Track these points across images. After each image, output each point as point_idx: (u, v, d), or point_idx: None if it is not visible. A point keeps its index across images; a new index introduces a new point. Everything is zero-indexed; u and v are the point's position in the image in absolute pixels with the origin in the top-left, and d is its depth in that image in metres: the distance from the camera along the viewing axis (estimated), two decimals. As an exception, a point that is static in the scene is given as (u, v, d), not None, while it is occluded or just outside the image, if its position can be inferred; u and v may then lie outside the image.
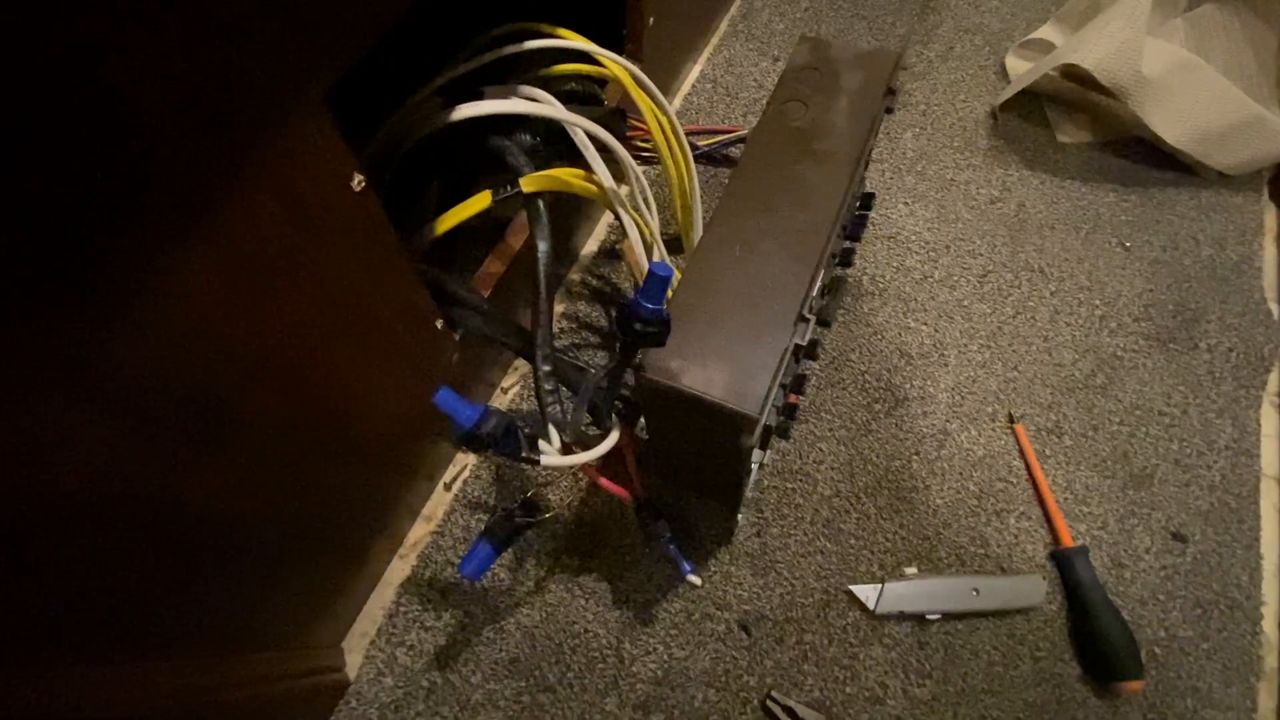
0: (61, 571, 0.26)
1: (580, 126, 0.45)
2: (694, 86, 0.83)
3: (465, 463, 0.59)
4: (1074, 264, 0.71)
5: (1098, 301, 0.69)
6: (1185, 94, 0.72)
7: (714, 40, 0.87)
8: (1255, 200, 0.75)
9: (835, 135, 0.46)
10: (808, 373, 0.62)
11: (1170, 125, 0.72)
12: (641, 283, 0.34)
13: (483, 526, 0.44)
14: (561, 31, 0.48)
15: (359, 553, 0.51)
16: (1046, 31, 0.85)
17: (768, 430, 0.43)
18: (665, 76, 0.77)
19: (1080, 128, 0.80)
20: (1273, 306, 0.68)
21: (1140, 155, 0.78)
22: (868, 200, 0.52)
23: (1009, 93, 0.79)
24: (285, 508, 0.39)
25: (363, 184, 0.31)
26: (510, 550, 0.54)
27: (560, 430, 0.42)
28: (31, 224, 0.19)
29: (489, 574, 0.54)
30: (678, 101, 0.82)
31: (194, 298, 0.26)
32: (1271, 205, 0.75)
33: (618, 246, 0.70)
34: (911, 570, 0.55)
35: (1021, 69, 0.82)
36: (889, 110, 0.49)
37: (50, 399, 0.22)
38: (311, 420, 0.38)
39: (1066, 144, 0.79)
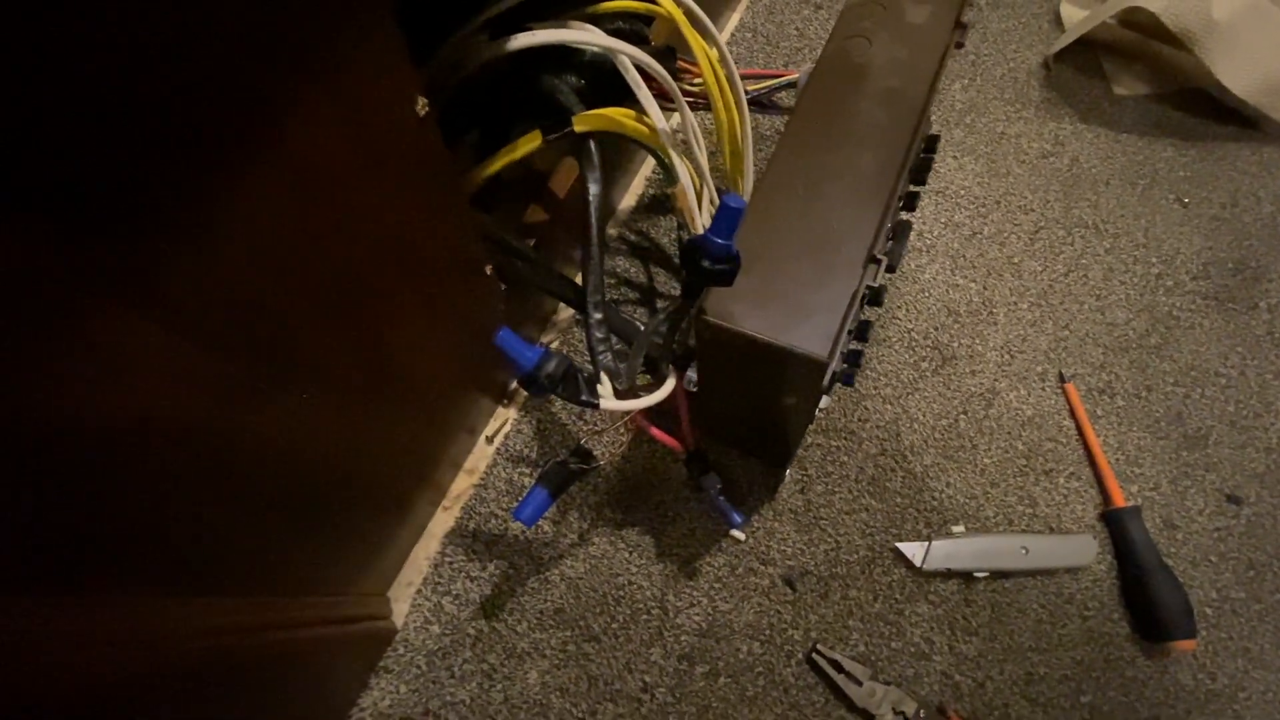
0: (129, 497, 0.26)
1: (633, 58, 0.43)
2: (733, 35, 0.79)
3: (506, 417, 0.59)
4: (1129, 221, 0.69)
5: (1154, 259, 0.67)
6: (1256, 41, 0.68)
7: (753, -13, 0.84)
8: (1323, 155, 0.72)
9: (901, 72, 0.44)
10: (872, 319, 0.61)
11: (1238, 74, 0.69)
12: (694, 228, 0.33)
13: (528, 478, 0.43)
14: (612, -37, 0.45)
15: (404, 502, 0.51)
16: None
17: (833, 376, 0.42)
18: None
19: (1138, 79, 0.76)
20: (1338, 265, 0.66)
21: (1200, 108, 0.75)
22: (932, 142, 0.50)
23: (1063, 42, 0.75)
24: (337, 453, 0.39)
25: (426, 108, 0.30)
26: (554, 503, 0.54)
27: (614, 379, 0.41)
28: (108, 137, 0.18)
29: (534, 527, 0.54)
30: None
31: (260, 218, 0.25)
32: (1339, 161, 0.72)
33: (666, 192, 0.68)
34: (959, 528, 0.55)
35: (1077, 16, 0.79)
36: (959, 45, 0.46)
37: (125, 315, 0.21)
38: (364, 362, 0.37)
39: (1123, 96, 0.76)
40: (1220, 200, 0.70)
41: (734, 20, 0.81)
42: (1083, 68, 0.78)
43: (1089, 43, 0.77)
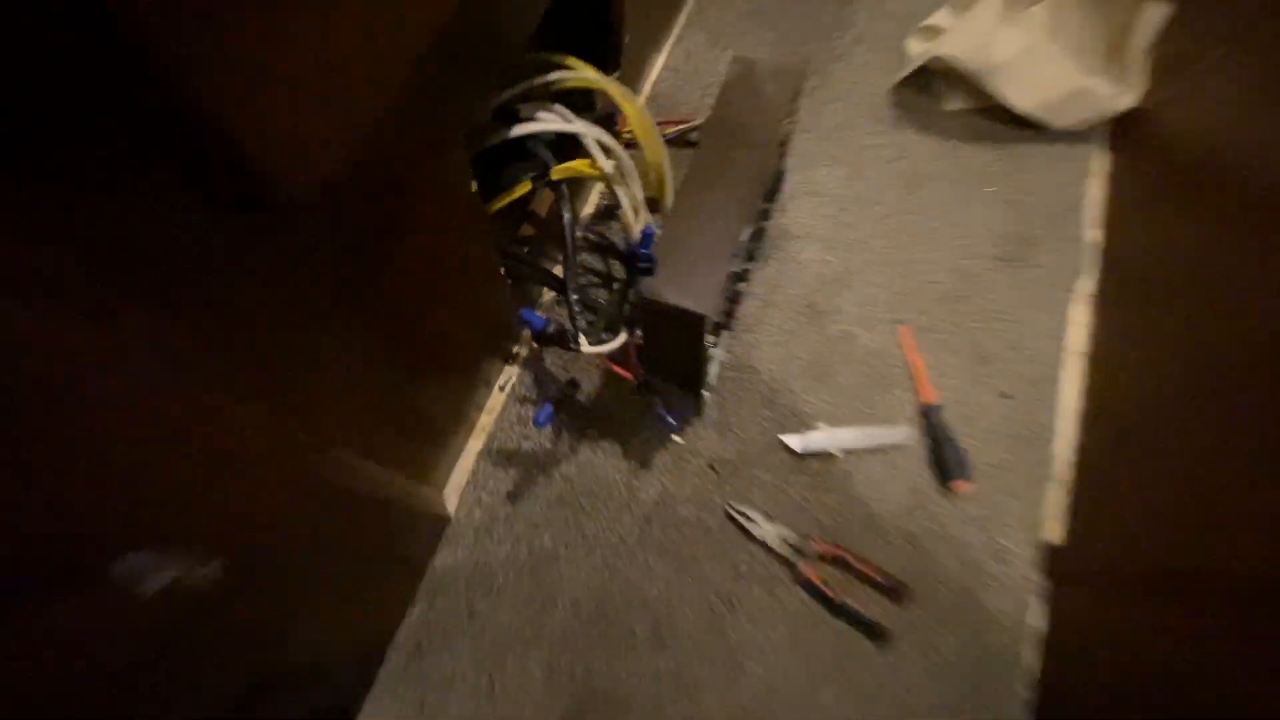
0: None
1: (593, 137, 0.67)
2: (660, 75, 1.03)
3: (511, 372, 0.83)
4: (950, 206, 0.96)
5: (965, 235, 0.94)
6: (1032, 71, 0.95)
7: (674, 35, 1.07)
8: (1086, 152, 0.99)
9: (756, 132, 0.69)
10: (743, 290, 0.86)
11: (1021, 97, 0.96)
12: (634, 238, 0.57)
13: (530, 409, 0.67)
14: (572, 62, 0.69)
15: (449, 429, 0.75)
16: (940, 17, 1.06)
17: (717, 325, 0.68)
18: (637, 70, 0.98)
19: (961, 98, 1.03)
20: (1085, 231, 0.94)
21: (1005, 118, 1.02)
22: (780, 177, 0.75)
23: (904, 72, 1.01)
24: (418, 388, 0.63)
25: (476, 187, 0.54)
26: (552, 424, 0.79)
27: (588, 335, 0.66)
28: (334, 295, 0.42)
29: (539, 443, 0.79)
30: (647, 87, 1.03)
31: (395, 245, 0.48)
32: (1099, 153, 1.00)
33: (616, 210, 0.92)
34: (824, 425, 0.81)
35: (918, 51, 1.04)
36: (793, 113, 0.71)
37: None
38: (432, 334, 0.61)
39: (951, 111, 1.02)
40: (1014, 188, 0.97)
41: (660, 62, 1.05)
42: (922, 90, 1.04)
43: (926, 70, 1.03)
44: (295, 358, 0.43)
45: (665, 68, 1.03)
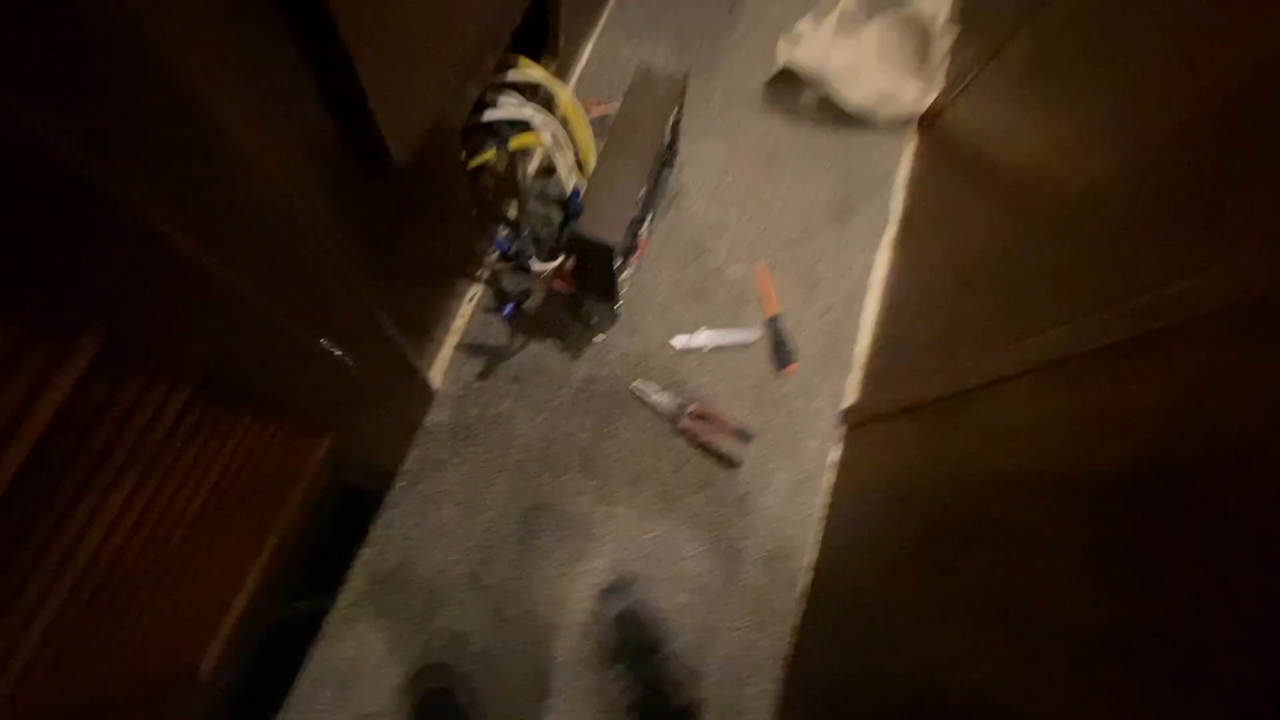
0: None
1: (539, 119, 0.96)
2: (587, 63, 1.32)
3: (477, 289, 1.12)
4: (799, 177, 1.31)
5: (809, 198, 1.30)
6: (857, 78, 1.30)
7: (598, 31, 1.35)
8: (899, 140, 1.37)
9: (653, 120, 1.00)
10: (645, 233, 1.19)
11: (850, 97, 1.31)
12: (567, 191, 0.88)
13: (494, 313, 0.98)
14: (525, 62, 0.97)
15: (432, 328, 1.04)
16: (803, 25, 1.39)
17: (625, 254, 1.00)
18: (570, 59, 1.26)
19: (810, 95, 1.37)
20: (894, 196, 1.32)
21: (843, 112, 1.37)
22: (673, 151, 1.07)
23: (771, 72, 1.35)
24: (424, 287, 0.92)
25: (464, 156, 0.82)
26: (508, 323, 1.10)
27: (539, 258, 0.96)
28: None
29: (498, 340, 1.10)
30: (578, 70, 1.31)
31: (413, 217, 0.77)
32: (908, 140, 1.37)
33: (553, 171, 1.21)
34: (703, 329, 1.16)
35: (783, 54, 1.37)
36: (679, 106, 1.03)
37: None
38: (434, 248, 0.90)
39: (806, 103, 1.37)
40: (847, 163, 1.33)
41: (587, 52, 1.33)
42: (788, 84, 1.37)
43: (789, 70, 1.36)
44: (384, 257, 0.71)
45: (591, 58, 1.32)
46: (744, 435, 1.11)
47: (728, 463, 1.09)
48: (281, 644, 0.94)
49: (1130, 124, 0.67)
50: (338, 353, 0.66)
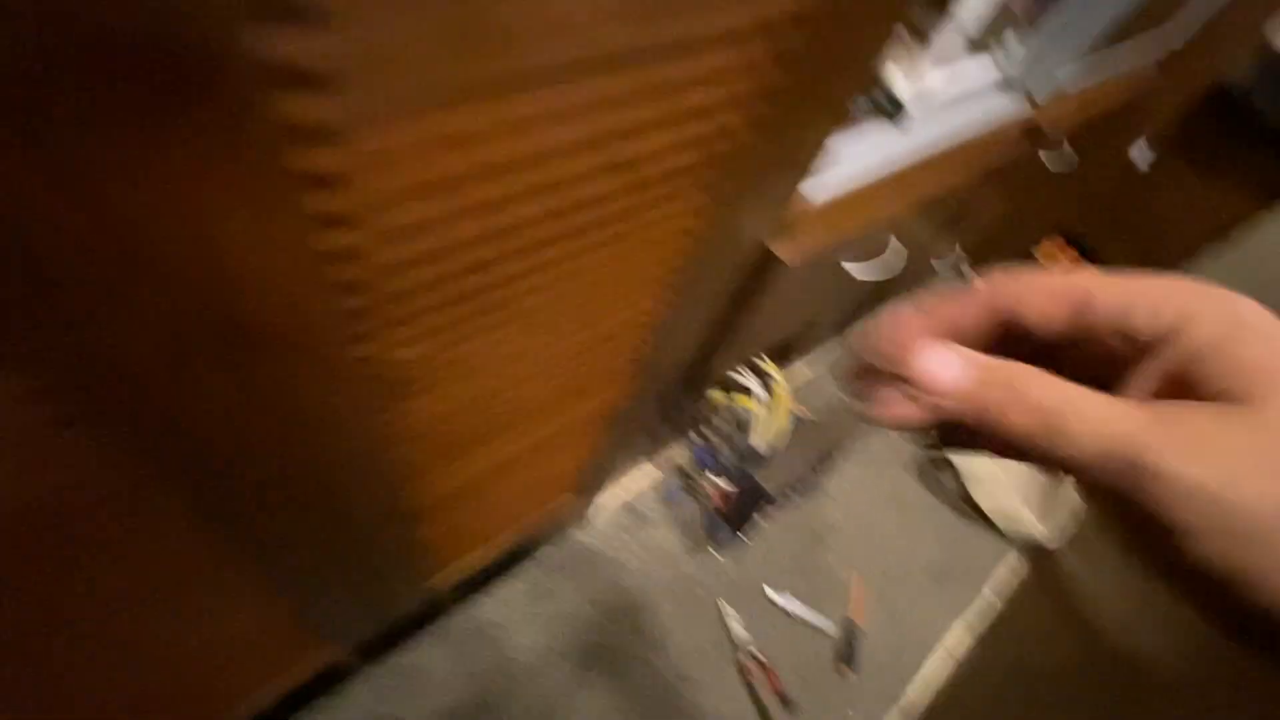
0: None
1: (760, 395, 1.39)
2: (799, 372, 1.79)
3: (660, 461, 1.48)
4: (915, 530, 1.58)
5: (915, 549, 1.55)
6: (991, 490, 1.62)
7: (820, 354, 1.85)
8: (1012, 550, 1.61)
9: (830, 434, 1.38)
10: (785, 500, 1.50)
11: (980, 500, 1.62)
12: (755, 442, 1.25)
13: (673, 489, 1.31)
14: (770, 363, 1.43)
15: (612, 471, 1.39)
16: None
17: (769, 503, 1.32)
18: (791, 363, 1.74)
19: (955, 480, 1.70)
20: (990, 594, 1.52)
21: (976, 507, 1.66)
22: (830, 458, 1.43)
23: (924, 444, 1.71)
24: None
25: (714, 386, 1.24)
26: (667, 501, 1.42)
27: (711, 472, 1.31)
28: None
29: (654, 512, 1.41)
30: (800, 364, 1.78)
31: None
32: (1023, 557, 1.61)
33: (749, 424, 1.62)
34: (789, 594, 1.39)
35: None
36: (840, 440, 1.41)
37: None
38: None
39: (946, 483, 1.69)
40: (959, 542, 1.59)
41: (801, 364, 1.81)
42: (935, 463, 1.72)
43: (938, 451, 1.72)
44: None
45: (813, 368, 1.79)
46: (786, 700, 1.25)
47: (764, 715, 1.24)
48: None
49: None
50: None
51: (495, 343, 0.47)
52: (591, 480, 1.08)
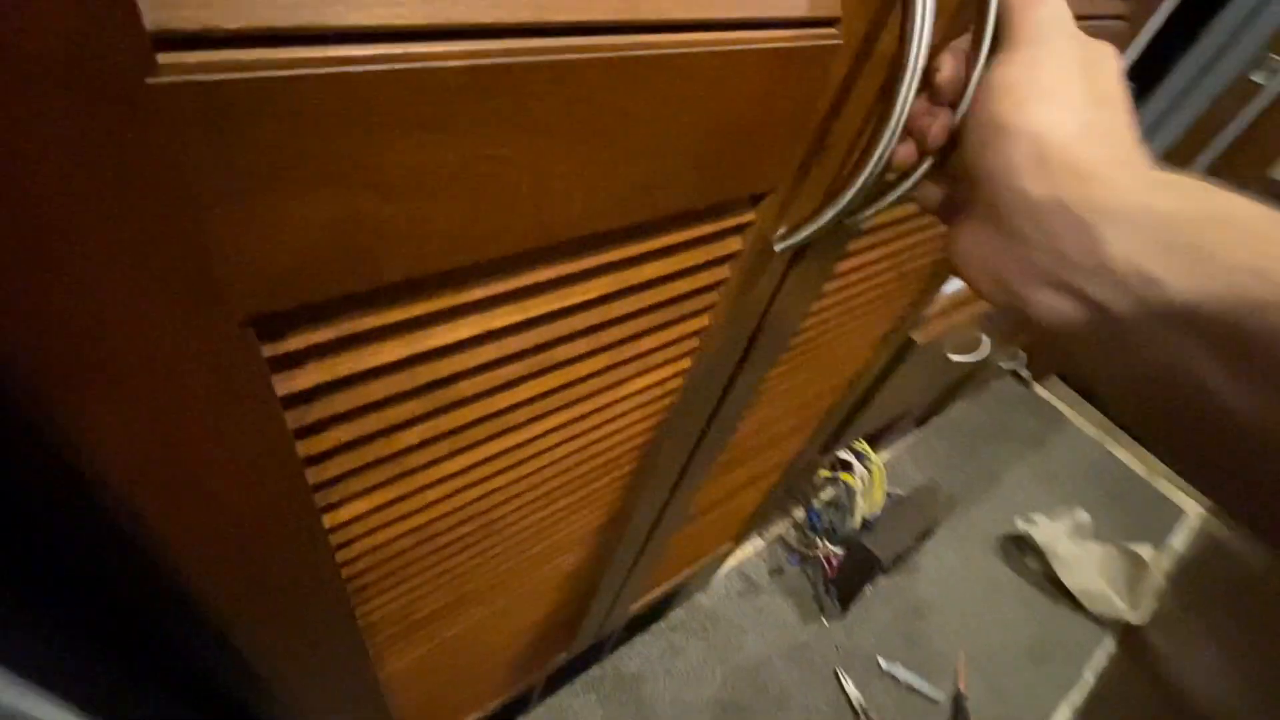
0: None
1: (860, 472, 1.57)
2: (903, 452, 1.96)
3: (776, 530, 1.63)
4: (1010, 612, 1.67)
5: (1012, 629, 1.63)
6: (1078, 569, 1.71)
7: (909, 441, 2.02)
8: (1105, 632, 1.67)
9: (920, 514, 1.53)
10: (886, 571, 1.62)
11: (1066, 579, 1.71)
12: (857, 514, 1.41)
13: (794, 553, 1.46)
14: (863, 443, 1.62)
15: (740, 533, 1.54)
16: (1040, 517, 1.88)
17: (880, 569, 1.46)
18: (886, 441, 1.92)
19: (1038, 563, 1.79)
20: (1089, 675, 1.58)
21: (1063, 586, 1.74)
22: (926, 536, 1.57)
23: (1014, 530, 1.82)
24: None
25: (827, 463, 1.43)
26: (785, 565, 1.56)
27: (820, 540, 1.47)
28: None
29: (772, 576, 1.55)
30: (896, 446, 1.95)
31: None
32: (1114, 639, 1.66)
33: (853, 499, 1.78)
34: (900, 664, 1.47)
35: (1024, 525, 1.86)
36: (936, 519, 1.56)
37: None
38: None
39: (1029, 566, 1.78)
40: (1051, 627, 1.66)
41: (899, 443, 1.98)
42: (1018, 546, 1.83)
43: (1022, 537, 1.83)
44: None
45: (905, 451, 1.96)
46: (907, 764, 1.32)
47: (885, 777, 1.30)
48: None
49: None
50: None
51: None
52: (745, 532, 1.25)
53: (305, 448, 0.29)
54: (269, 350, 0.24)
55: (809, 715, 1.36)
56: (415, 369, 0.30)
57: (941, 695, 1.45)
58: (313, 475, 0.30)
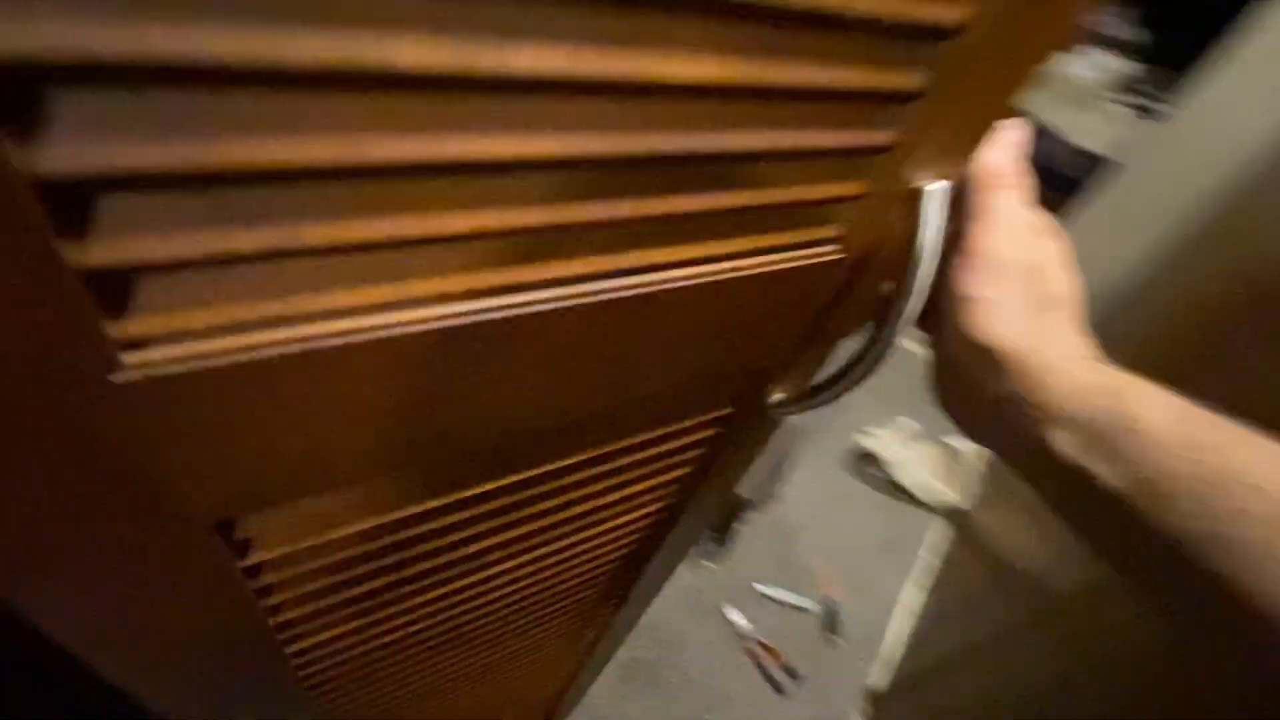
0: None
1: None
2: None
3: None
4: (862, 516, 1.91)
5: (864, 531, 1.87)
6: (910, 470, 1.99)
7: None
8: (935, 517, 1.97)
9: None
10: (762, 501, 1.78)
11: (901, 479, 1.98)
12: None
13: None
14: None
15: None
16: (881, 431, 2.14)
17: (746, 509, 1.59)
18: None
19: (881, 472, 2.06)
20: (927, 553, 1.86)
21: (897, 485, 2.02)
22: (789, 462, 1.74)
23: (858, 448, 2.06)
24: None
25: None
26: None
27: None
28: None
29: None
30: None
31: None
32: (944, 520, 1.97)
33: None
34: (777, 587, 1.65)
35: (868, 442, 2.11)
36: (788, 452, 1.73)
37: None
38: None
39: (873, 475, 2.04)
40: (893, 519, 1.93)
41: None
42: (867, 459, 2.08)
43: (868, 451, 2.08)
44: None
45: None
46: (792, 673, 1.50)
47: (776, 688, 1.47)
48: None
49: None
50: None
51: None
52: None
53: (267, 601, 0.30)
54: (236, 535, 0.26)
55: (706, 650, 1.50)
56: (378, 538, 0.31)
57: (815, 604, 1.65)
58: (274, 619, 0.32)
